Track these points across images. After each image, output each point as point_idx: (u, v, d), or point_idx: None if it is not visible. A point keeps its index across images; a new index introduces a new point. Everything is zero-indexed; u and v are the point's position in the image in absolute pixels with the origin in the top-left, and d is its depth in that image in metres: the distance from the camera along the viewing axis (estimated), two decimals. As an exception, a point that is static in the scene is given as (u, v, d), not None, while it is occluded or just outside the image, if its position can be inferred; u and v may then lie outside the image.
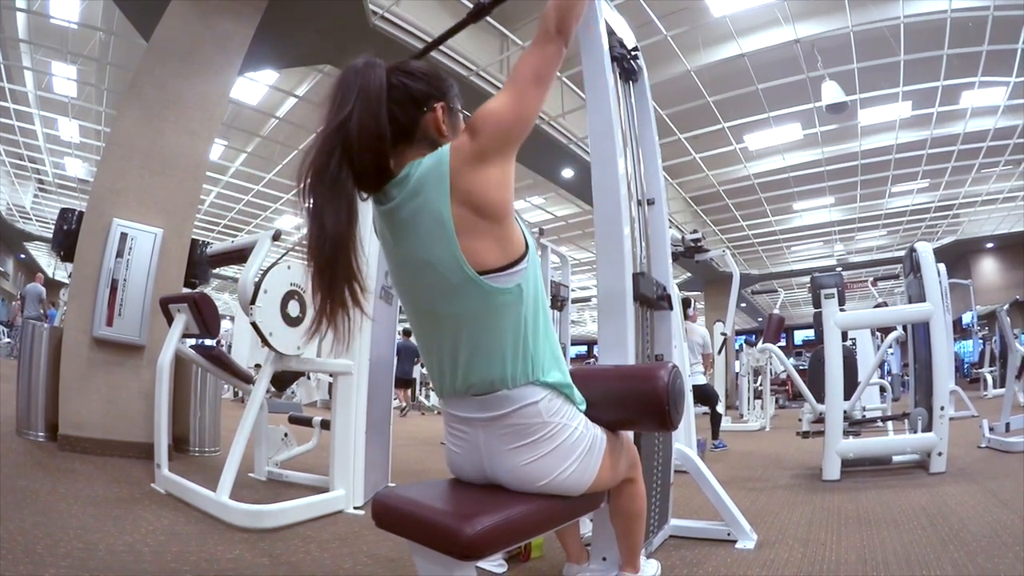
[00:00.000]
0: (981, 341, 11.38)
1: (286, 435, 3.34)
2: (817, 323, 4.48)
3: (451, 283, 0.95)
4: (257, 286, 2.49)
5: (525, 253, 1.00)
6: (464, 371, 1.00)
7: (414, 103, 1.02)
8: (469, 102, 1.10)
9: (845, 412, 3.49)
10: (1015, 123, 8.25)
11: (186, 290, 3.75)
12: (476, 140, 0.94)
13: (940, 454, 3.16)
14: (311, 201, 0.91)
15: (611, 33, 1.98)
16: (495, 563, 1.80)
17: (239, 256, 2.99)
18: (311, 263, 0.92)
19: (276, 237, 2.74)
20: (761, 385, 8.13)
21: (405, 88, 1.01)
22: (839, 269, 12.51)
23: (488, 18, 5.94)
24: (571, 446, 1.03)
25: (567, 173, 8.79)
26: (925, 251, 3.67)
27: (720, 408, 5.41)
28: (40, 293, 9.13)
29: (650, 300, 1.96)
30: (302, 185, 0.91)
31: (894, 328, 4.44)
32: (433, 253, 0.95)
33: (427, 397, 10.19)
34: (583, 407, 1.10)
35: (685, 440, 2.99)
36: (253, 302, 2.45)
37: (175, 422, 3.32)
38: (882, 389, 5.71)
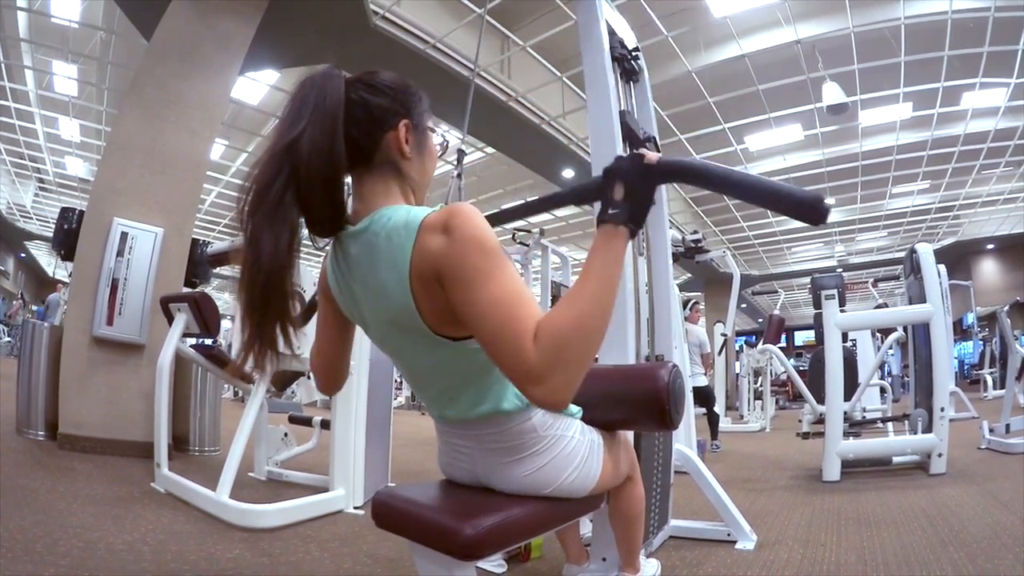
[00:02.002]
0: (981, 342, 11.38)
1: (286, 435, 3.35)
2: (817, 324, 4.49)
3: (428, 347, 0.89)
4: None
5: None
6: (455, 409, 0.97)
7: (374, 122, 0.89)
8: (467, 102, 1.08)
9: (845, 413, 3.49)
10: (1016, 124, 8.25)
11: (186, 289, 3.75)
12: (446, 239, 0.78)
13: (940, 455, 3.16)
14: (249, 227, 0.79)
15: (612, 33, 1.98)
16: (495, 563, 1.80)
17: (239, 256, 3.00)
18: (242, 295, 0.81)
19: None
20: (761, 386, 8.12)
21: (365, 104, 0.88)
22: (839, 270, 12.59)
23: (489, 17, 6.00)
24: (569, 455, 1.02)
25: (567, 173, 8.78)
26: (925, 252, 3.66)
27: (717, 408, 5.40)
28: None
29: (636, 140, 2.01)
30: (242, 206, 0.79)
31: (894, 329, 4.44)
32: (405, 329, 0.88)
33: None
34: (579, 415, 1.09)
35: (685, 441, 2.99)
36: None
37: (175, 421, 3.32)
38: (882, 390, 5.69)
